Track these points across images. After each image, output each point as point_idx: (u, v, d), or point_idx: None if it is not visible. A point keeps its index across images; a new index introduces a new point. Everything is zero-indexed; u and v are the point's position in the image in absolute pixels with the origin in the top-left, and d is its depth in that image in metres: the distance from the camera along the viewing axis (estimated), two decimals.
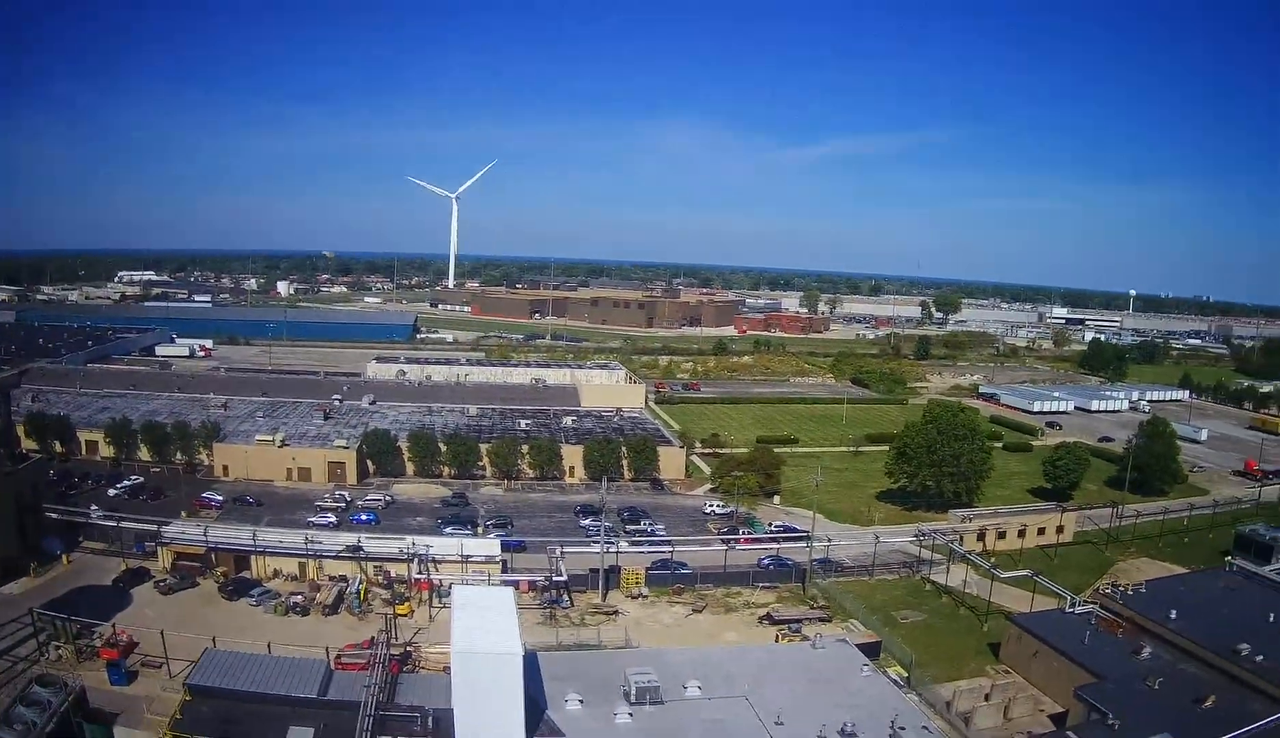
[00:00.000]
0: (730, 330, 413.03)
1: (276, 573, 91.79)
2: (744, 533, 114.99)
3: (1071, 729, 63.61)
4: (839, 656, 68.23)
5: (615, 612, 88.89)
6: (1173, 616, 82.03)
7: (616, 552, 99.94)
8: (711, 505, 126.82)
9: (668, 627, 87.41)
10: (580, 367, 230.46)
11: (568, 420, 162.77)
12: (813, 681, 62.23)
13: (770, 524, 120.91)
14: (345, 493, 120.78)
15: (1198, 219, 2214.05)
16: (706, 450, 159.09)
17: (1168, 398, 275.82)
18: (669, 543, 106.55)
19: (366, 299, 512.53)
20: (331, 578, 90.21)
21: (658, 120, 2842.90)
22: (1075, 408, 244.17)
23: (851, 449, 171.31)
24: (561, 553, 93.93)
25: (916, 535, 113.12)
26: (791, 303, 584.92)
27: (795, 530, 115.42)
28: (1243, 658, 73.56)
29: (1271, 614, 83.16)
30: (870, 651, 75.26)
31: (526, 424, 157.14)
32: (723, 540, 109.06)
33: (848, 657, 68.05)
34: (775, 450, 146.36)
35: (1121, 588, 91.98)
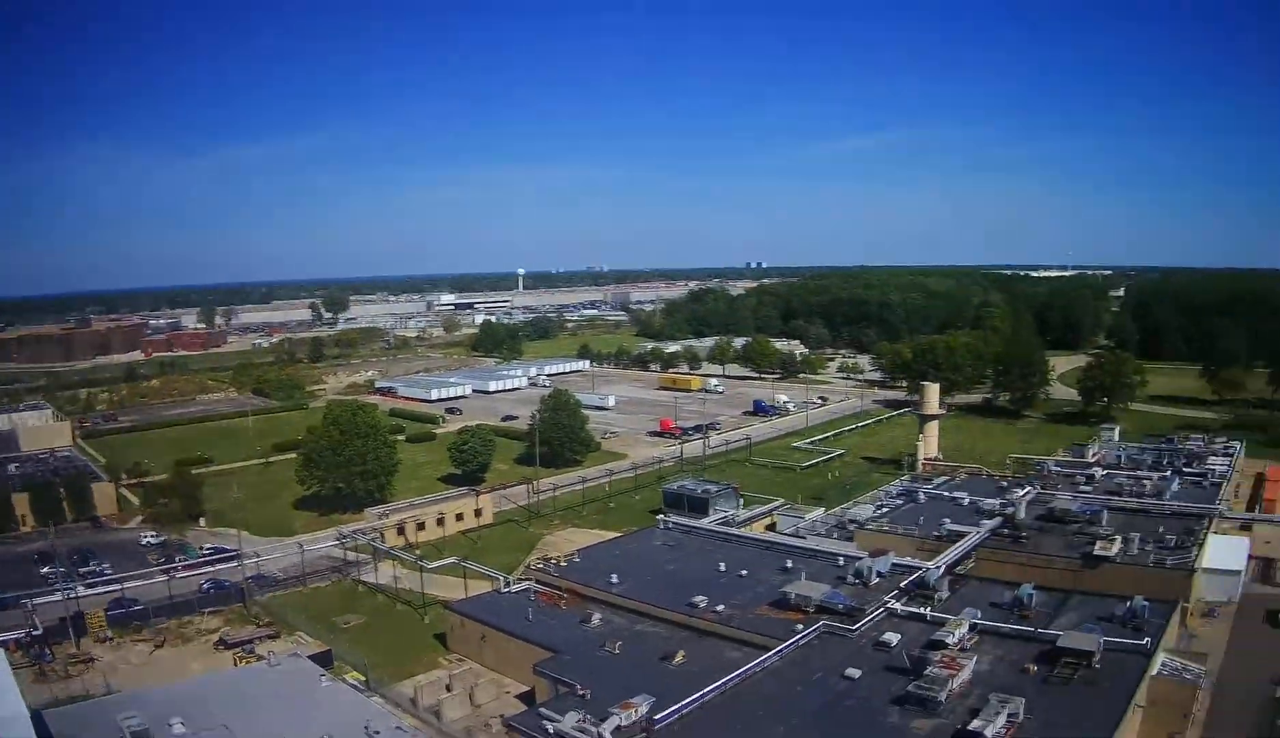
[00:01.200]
0: (139, 355, 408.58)
1: None
2: (180, 560, 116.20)
3: (543, 706, 62.91)
4: (296, 670, 68.57)
5: (91, 659, 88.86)
6: (614, 580, 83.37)
7: (77, 598, 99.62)
8: (146, 537, 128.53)
9: (137, 666, 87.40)
10: (16, 410, 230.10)
11: (12, 467, 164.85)
12: (278, 699, 62.45)
13: (202, 548, 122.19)
14: None
15: (580, 192, 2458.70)
16: (133, 481, 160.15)
17: (569, 370, 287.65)
18: (118, 581, 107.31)
19: None
20: None
21: (55, 141, 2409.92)
22: (474, 391, 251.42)
23: (262, 461, 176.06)
24: (32, 606, 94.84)
25: (338, 538, 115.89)
26: (190, 320, 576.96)
27: (226, 551, 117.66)
28: (701, 610, 74.44)
29: (722, 563, 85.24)
30: (323, 660, 76.30)
31: None
32: (163, 571, 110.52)
33: (304, 670, 68.51)
34: (194, 472, 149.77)
35: (553, 561, 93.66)
